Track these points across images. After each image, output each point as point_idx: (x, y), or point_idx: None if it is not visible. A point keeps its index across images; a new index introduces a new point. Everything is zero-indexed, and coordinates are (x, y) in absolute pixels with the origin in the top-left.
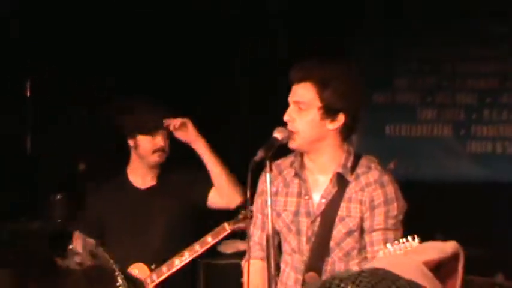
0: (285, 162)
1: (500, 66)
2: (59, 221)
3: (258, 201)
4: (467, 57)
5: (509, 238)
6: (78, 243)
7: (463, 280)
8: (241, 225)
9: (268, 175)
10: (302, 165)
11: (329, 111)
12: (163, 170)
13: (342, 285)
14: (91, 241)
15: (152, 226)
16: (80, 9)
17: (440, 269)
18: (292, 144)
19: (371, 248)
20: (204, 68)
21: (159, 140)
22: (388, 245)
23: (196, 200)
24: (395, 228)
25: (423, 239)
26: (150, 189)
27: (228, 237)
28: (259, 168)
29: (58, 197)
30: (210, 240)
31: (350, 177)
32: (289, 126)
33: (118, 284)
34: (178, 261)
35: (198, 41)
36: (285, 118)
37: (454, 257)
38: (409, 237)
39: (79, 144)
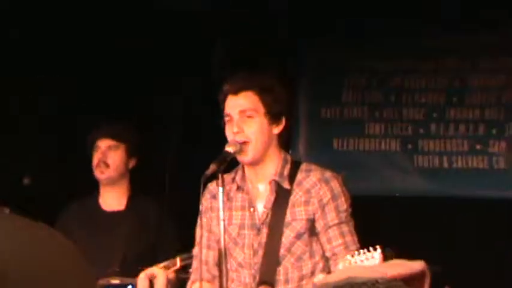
0: (227, 178)
1: (447, 81)
2: None
3: (203, 219)
4: (415, 71)
5: (456, 252)
6: None
7: None
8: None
9: (221, 189)
10: (243, 178)
11: (274, 116)
12: (134, 196)
13: None
14: None
15: (113, 250)
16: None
17: (408, 285)
18: (245, 157)
19: (329, 245)
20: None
21: (98, 154)
22: (348, 256)
23: (156, 239)
24: (348, 220)
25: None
26: (115, 214)
27: None
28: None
29: (5, 211)
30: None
31: (287, 185)
32: (240, 138)
33: None
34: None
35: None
36: (234, 130)
37: (421, 276)
38: (371, 248)
39: (25, 157)
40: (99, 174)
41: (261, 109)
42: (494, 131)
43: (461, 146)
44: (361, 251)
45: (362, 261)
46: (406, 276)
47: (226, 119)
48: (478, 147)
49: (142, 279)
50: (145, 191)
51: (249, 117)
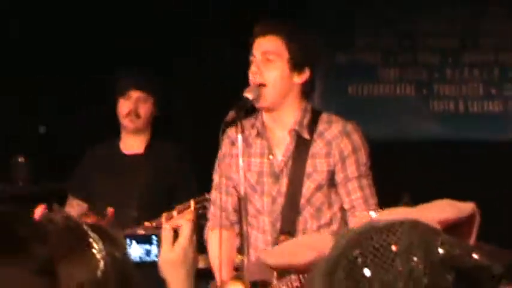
0: (246, 123)
1: (461, 25)
2: (20, 183)
3: (220, 165)
4: (429, 16)
5: (472, 196)
6: (72, 205)
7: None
8: (206, 204)
9: (240, 136)
10: (263, 125)
11: (297, 64)
12: (153, 140)
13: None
14: (84, 205)
15: (131, 192)
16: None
17: (454, 230)
18: (262, 103)
19: (348, 198)
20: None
21: (129, 104)
22: (372, 213)
23: (173, 181)
24: (367, 174)
25: (388, 199)
26: (135, 156)
27: None
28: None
29: (19, 159)
30: (175, 214)
31: (307, 135)
32: (258, 79)
33: (93, 249)
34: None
35: None
36: (253, 70)
37: (470, 219)
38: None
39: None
40: (129, 123)
41: (285, 55)
42: (509, 74)
43: (477, 90)
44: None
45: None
46: (455, 221)
47: (251, 59)
48: (493, 91)
49: (167, 231)
50: (165, 137)
51: (270, 60)
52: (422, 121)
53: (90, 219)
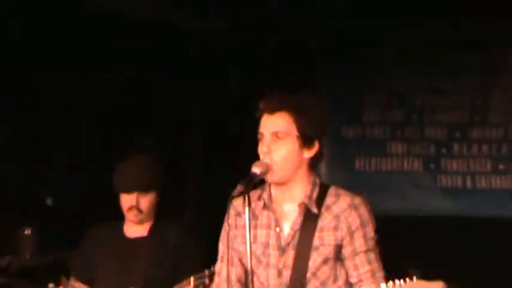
0: (253, 195)
1: (469, 99)
2: (27, 256)
3: (226, 236)
4: (437, 90)
5: (479, 271)
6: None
7: None
8: (206, 280)
9: (247, 209)
10: (270, 197)
11: (306, 139)
12: (157, 223)
13: None
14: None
15: (134, 276)
16: None
17: None
18: (272, 178)
19: (356, 271)
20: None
21: (131, 200)
22: (383, 285)
23: (178, 266)
24: (374, 247)
25: (395, 273)
26: (138, 240)
27: None
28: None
29: (26, 231)
30: None
31: (315, 209)
32: (267, 159)
33: None
34: None
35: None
36: (263, 150)
37: None
38: (407, 279)
39: (47, 177)
40: (132, 217)
41: (294, 131)
42: None
43: (484, 165)
44: (397, 282)
45: None
46: None
47: (259, 136)
48: (501, 167)
49: None
50: (167, 213)
51: (280, 138)
52: (429, 196)
53: None
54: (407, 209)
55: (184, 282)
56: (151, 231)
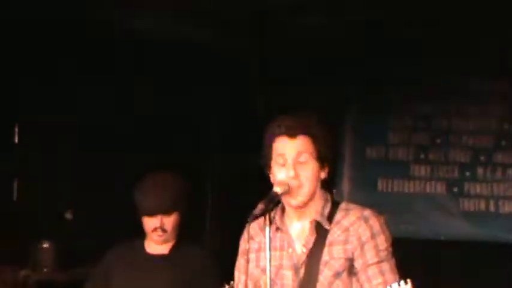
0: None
1: (495, 124)
2: (45, 269)
3: (240, 261)
4: (462, 114)
5: None
6: None
7: None
8: None
9: (267, 229)
10: (282, 219)
11: (323, 161)
12: (179, 242)
13: None
14: None
15: None
16: None
17: None
18: (297, 201)
19: (369, 284)
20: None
21: (156, 222)
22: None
23: (196, 283)
24: (388, 258)
25: None
26: (159, 257)
27: None
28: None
29: (44, 245)
30: None
31: (327, 225)
32: (293, 183)
33: None
34: None
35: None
36: (290, 174)
37: None
38: (402, 282)
39: (67, 192)
40: (157, 237)
41: (314, 154)
42: None
43: (509, 190)
44: (393, 284)
45: None
46: None
47: (280, 161)
48: None
49: None
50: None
51: (303, 163)
52: (452, 220)
53: None
54: (430, 232)
55: None
56: (172, 249)
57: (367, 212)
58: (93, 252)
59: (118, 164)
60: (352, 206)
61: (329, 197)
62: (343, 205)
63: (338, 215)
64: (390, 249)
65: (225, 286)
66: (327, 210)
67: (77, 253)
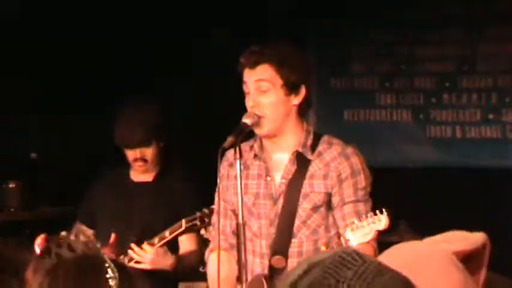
0: (244, 146)
1: (459, 49)
2: (12, 209)
3: (219, 188)
4: (425, 40)
5: (469, 222)
6: (80, 231)
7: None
8: (197, 222)
9: (238, 161)
10: (262, 147)
11: (291, 86)
12: (162, 169)
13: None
14: (90, 231)
15: (134, 217)
16: None
17: (468, 262)
18: (262, 131)
19: (343, 221)
20: None
21: (135, 153)
22: (355, 220)
23: (179, 211)
24: (365, 199)
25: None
26: (141, 184)
27: None
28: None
29: (10, 185)
30: (167, 235)
31: (311, 156)
32: (256, 112)
33: (108, 276)
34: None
35: None
36: (250, 104)
37: (482, 249)
38: (377, 211)
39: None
40: (138, 168)
41: (278, 81)
42: (507, 100)
43: (474, 115)
44: (368, 214)
45: (369, 224)
46: (470, 252)
47: (245, 90)
48: (491, 116)
49: None
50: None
51: (264, 91)
52: (419, 147)
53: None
54: (397, 160)
55: (176, 225)
56: (155, 178)
57: (349, 150)
58: (59, 192)
59: None
60: (335, 140)
61: (310, 128)
62: (325, 137)
63: (320, 147)
64: (368, 188)
65: (196, 214)
66: (309, 141)
67: (43, 193)
